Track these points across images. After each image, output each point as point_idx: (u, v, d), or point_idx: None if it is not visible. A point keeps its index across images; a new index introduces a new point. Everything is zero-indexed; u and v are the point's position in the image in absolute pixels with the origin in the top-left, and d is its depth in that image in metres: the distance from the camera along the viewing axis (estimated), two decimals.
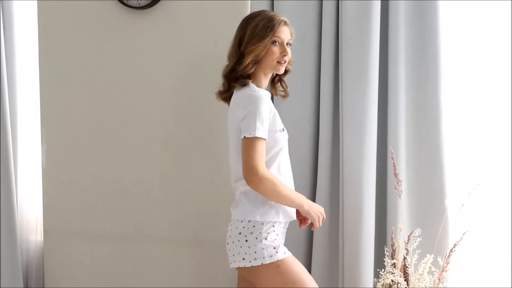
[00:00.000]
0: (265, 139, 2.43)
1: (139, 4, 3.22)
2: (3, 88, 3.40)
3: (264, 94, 2.47)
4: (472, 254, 3.04)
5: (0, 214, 3.45)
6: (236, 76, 2.56)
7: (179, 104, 3.27)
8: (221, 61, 2.68)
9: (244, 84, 2.53)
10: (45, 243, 3.49)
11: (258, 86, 2.57)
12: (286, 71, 2.65)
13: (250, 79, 2.55)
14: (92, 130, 3.38)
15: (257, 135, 2.39)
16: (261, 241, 2.44)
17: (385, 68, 3.01)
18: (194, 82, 3.24)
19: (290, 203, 2.49)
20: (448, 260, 2.71)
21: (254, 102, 2.43)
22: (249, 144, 2.40)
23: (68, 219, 3.45)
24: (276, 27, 2.48)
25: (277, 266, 2.43)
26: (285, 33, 2.51)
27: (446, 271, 2.72)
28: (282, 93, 2.72)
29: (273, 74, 2.65)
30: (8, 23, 3.46)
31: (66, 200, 3.45)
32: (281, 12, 3.00)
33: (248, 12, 3.09)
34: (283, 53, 2.49)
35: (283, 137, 2.54)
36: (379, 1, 2.93)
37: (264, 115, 2.43)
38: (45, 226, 3.49)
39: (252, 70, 2.53)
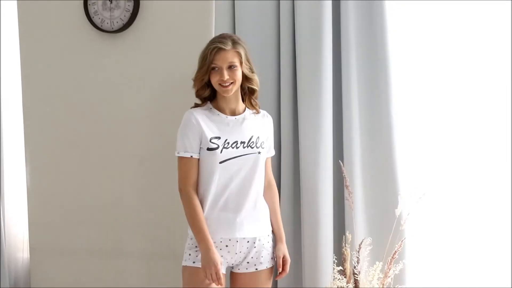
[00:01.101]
0: (189, 157, 2.63)
1: (112, 28, 3.40)
2: None
3: (190, 111, 2.67)
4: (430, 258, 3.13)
5: None
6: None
7: (153, 123, 3.42)
8: (191, 80, 2.77)
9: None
10: (31, 260, 3.65)
11: (219, 107, 2.70)
12: (253, 90, 2.72)
13: (206, 101, 2.71)
14: (72, 151, 3.55)
15: (177, 154, 2.65)
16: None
17: (338, 78, 3.09)
18: (167, 101, 3.38)
19: (197, 240, 2.61)
20: (390, 266, 2.78)
21: (182, 122, 2.67)
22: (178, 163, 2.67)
23: (53, 236, 3.61)
24: (209, 57, 2.60)
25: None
26: (221, 59, 2.59)
27: (388, 277, 2.78)
28: (253, 111, 2.77)
29: (243, 93, 2.74)
30: None
31: (50, 218, 3.60)
32: (240, 13, 3.13)
33: (212, 27, 3.25)
34: (221, 77, 2.59)
35: (213, 156, 2.62)
36: (330, 1, 3.02)
37: (186, 132, 2.64)
38: (31, 244, 3.65)
39: (207, 94, 2.69)
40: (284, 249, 2.75)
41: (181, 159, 2.63)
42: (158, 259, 3.47)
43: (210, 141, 2.62)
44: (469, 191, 3.09)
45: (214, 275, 2.54)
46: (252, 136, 2.69)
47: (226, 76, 2.58)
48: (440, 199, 3.09)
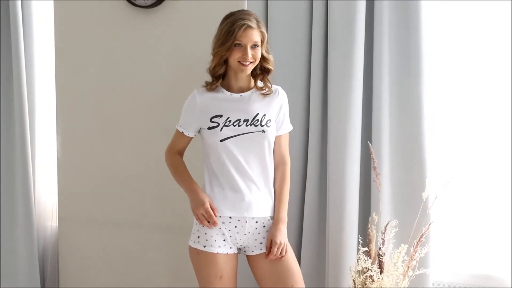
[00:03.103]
0: (181, 132, 2.78)
1: (146, 3, 3.42)
2: (22, 83, 3.65)
3: (194, 92, 2.74)
4: (455, 243, 3.16)
5: (19, 202, 3.70)
6: (210, 76, 2.74)
7: (185, 98, 3.44)
8: None
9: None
10: (60, 229, 3.72)
11: (227, 85, 2.71)
12: (268, 70, 2.71)
13: (218, 79, 2.70)
14: (102, 124, 3.59)
15: (176, 126, 2.80)
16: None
17: (370, 66, 3.10)
18: (194, 77, 3.37)
19: (185, 191, 2.78)
20: (416, 249, 2.80)
21: (187, 99, 2.79)
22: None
23: (80, 206, 3.67)
24: (235, 32, 2.56)
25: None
26: (247, 37, 2.57)
27: (414, 259, 2.81)
28: (265, 91, 2.72)
29: (255, 72, 2.72)
30: (28, 22, 3.70)
31: (79, 189, 3.66)
32: (273, 12, 3.15)
33: (245, 7, 3.22)
34: (244, 55, 2.58)
35: (214, 135, 2.66)
36: (364, 1, 3.04)
37: (186, 110, 2.76)
38: (60, 213, 3.72)
39: (222, 71, 2.68)
40: (274, 231, 2.65)
41: (176, 131, 2.82)
42: (180, 233, 3.52)
43: (211, 120, 2.65)
44: (496, 177, 3.10)
45: (204, 215, 2.64)
46: (257, 114, 2.66)
47: (250, 54, 2.58)
48: (467, 184, 3.11)
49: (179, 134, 2.80)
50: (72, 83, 3.63)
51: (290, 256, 2.69)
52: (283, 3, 3.18)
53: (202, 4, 3.38)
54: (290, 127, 2.80)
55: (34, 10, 3.74)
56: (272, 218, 2.70)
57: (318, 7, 3.11)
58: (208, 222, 2.65)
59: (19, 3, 3.66)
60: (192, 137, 2.80)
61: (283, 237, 2.65)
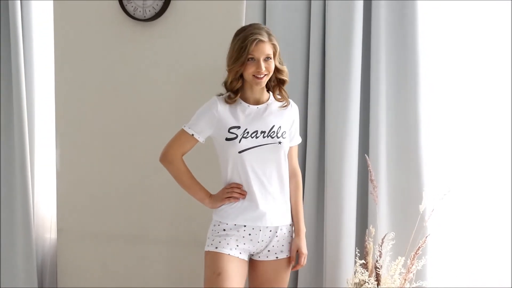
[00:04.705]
0: (190, 134, 2.70)
1: (145, 16, 3.45)
2: (21, 95, 3.67)
3: (215, 99, 2.71)
4: (453, 255, 3.15)
5: (17, 213, 3.70)
6: (227, 89, 2.76)
7: (183, 110, 3.45)
8: (222, 68, 2.79)
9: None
10: (58, 241, 3.74)
11: (243, 97, 2.73)
12: (283, 81, 2.75)
13: (237, 94, 2.71)
14: (101, 136, 3.62)
15: (183, 127, 2.72)
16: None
17: (367, 68, 3.11)
18: (195, 90, 3.43)
19: (193, 195, 2.81)
20: (413, 261, 2.80)
21: (205, 104, 2.74)
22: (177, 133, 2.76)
23: (79, 219, 3.69)
24: (248, 47, 2.60)
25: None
26: (259, 51, 2.61)
27: (411, 272, 2.81)
28: (283, 103, 2.78)
29: (270, 84, 2.77)
30: (27, 22, 3.70)
31: (77, 201, 3.68)
32: (272, 12, 3.17)
33: (243, 19, 3.27)
34: (258, 69, 2.62)
35: (232, 146, 2.67)
36: (362, 1, 3.04)
37: (203, 115, 2.71)
38: (58, 225, 3.74)
39: (238, 85, 2.71)
40: (299, 243, 2.76)
41: (183, 131, 2.72)
42: (181, 246, 3.53)
43: (229, 131, 2.66)
44: (493, 189, 3.09)
45: (236, 190, 2.69)
46: (273, 126, 2.71)
47: (263, 67, 2.62)
48: (464, 197, 3.11)
49: (186, 136, 2.72)
50: (71, 97, 3.66)
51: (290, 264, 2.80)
52: (281, 3, 3.19)
53: (200, 17, 3.41)
54: (300, 139, 2.88)
55: (34, 25, 3.74)
56: (282, 228, 2.75)
57: (316, 7, 3.11)
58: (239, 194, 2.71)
59: (18, 3, 3.65)
60: (198, 142, 2.76)
61: (303, 247, 2.77)
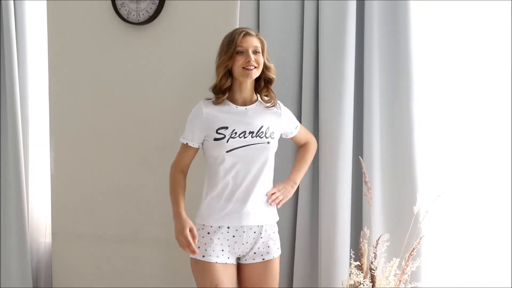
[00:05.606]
0: (185, 144, 2.79)
1: (138, 20, 3.45)
2: (15, 97, 3.66)
3: (200, 103, 2.76)
4: (447, 256, 3.17)
5: (11, 217, 3.70)
6: (215, 91, 2.79)
7: (174, 114, 3.46)
8: (213, 73, 2.83)
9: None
10: (53, 243, 3.73)
11: (231, 98, 2.77)
12: (271, 80, 2.79)
13: (225, 93, 2.74)
14: (95, 139, 3.62)
15: (179, 138, 2.81)
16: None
17: (360, 73, 3.13)
18: (188, 93, 3.43)
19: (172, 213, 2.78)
20: (407, 263, 2.82)
21: (192, 111, 2.81)
22: None
23: (74, 222, 3.68)
24: (236, 39, 2.67)
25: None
26: (247, 42, 2.68)
27: (406, 273, 2.83)
28: (270, 104, 2.81)
29: (259, 84, 2.80)
30: (21, 22, 3.71)
31: (72, 204, 3.68)
32: (265, 13, 3.18)
33: (237, 21, 3.29)
34: (247, 59, 2.66)
35: (220, 146, 2.70)
36: (355, 1, 3.05)
37: (191, 121, 2.77)
38: (53, 229, 3.73)
39: (228, 84, 2.74)
40: (279, 186, 2.84)
41: (181, 144, 2.82)
42: (175, 246, 3.50)
43: (217, 131, 2.69)
44: (487, 190, 3.11)
45: (184, 242, 2.66)
46: (262, 126, 2.74)
47: (252, 58, 2.66)
48: (458, 198, 3.12)
49: (183, 147, 2.81)
50: (65, 100, 3.65)
51: (277, 265, 2.82)
52: (274, 3, 3.20)
53: (194, 21, 3.41)
54: (298, 124, 2.95)
55: (27, 11, 3.74)
56: (267, 229, 2.77)
57: (309, 7, 3.13)
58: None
59: (11, 3, 3.65)
60: (197, 149, 2.81)
61: (285, 191, 2.84)
